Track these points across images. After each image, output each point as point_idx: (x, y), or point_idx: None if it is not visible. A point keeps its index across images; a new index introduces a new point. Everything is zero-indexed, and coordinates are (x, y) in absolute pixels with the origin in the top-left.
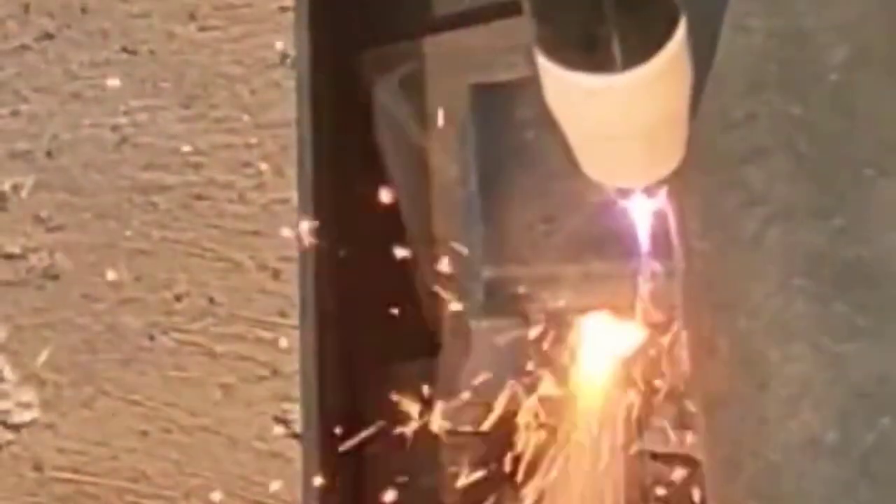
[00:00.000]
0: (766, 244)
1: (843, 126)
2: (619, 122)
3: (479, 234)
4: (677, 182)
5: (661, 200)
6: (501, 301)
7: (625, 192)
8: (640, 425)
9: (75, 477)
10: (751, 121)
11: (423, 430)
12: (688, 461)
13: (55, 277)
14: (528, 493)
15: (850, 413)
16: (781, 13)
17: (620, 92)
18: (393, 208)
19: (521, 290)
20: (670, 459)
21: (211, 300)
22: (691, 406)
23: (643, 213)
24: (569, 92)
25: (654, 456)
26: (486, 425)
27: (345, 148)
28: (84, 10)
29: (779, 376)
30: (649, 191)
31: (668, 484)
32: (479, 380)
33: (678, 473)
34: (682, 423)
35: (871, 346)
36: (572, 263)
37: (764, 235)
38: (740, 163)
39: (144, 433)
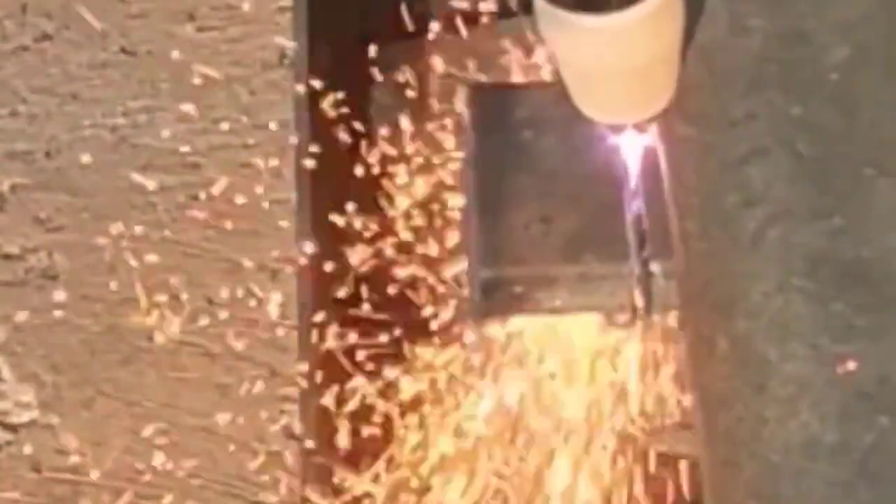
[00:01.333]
0: (765, 244)
1: (843, 126)
2: (614, 60)
3: (476, 234)
4: (676, 180)
5: (651, 137)
6: (498, 301)
7: (617, 129)
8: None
9: (74, 477)
10: (751, 121)
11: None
12: (688, 461)
13: (54, 278)
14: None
15: (849, 413)
16: (781, 13)
17: (616, 31)
18: (392, 208)
19: (518, 290)
20: (670, 459)
21: (210, 300)
22: (691, 406)
23: (634, 148)
24: (567, 32)
25: (655, 456)
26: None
27: (344, 148)
28: (83, 11)
29: (778, 376)
30: (640, 127)
31: (668, 483)
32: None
33: (678, 473)
34: (682, 423)
35: (870, 347)
36: (569, 264)
37: (763, 235)
38: (740, 163)
39: (143, 434)
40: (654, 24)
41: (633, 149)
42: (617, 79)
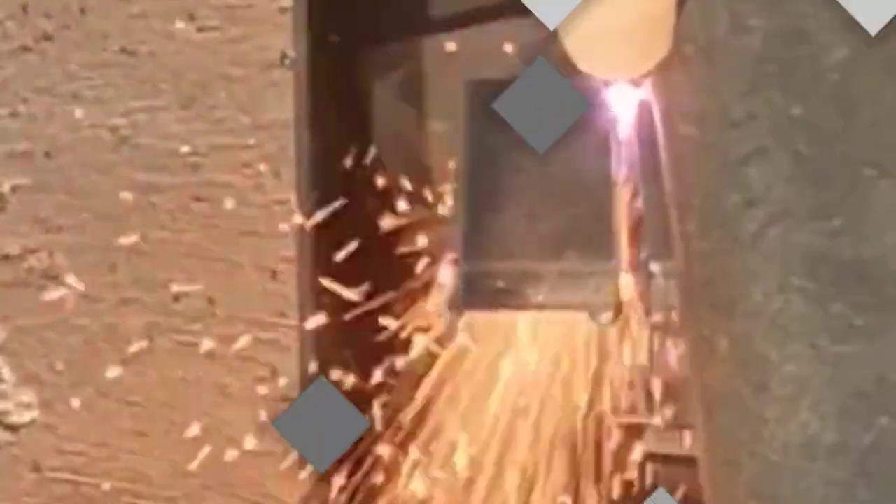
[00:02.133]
0: (765, 244)
1: (843, 126)
2: (614, 19)
3: (460, 228)
4: (676, 180)
5: (645, 91)
6: (481, 295)
7: (611, 83)
8: (639, 426)
9: (74, 478)
10: (751, 121)
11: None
12: (688, 461)
13: (55, 278)
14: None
15: (849, 413)
16: (782, 13)
17: None
18: (391, 207)
19: (501, 284)
20: (670, 459)
21: (210, 301)
22: (691, 406)
23: (628, 102)
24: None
25: (655, 456)
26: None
27: (344, 148)
28: (83, 11)
29: (778, 376)
30: (635, 82)
31: (668, 484)
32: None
33: (678, 473)
34: (683, 423)
35: (870, 347)
36: (553, 260)
37: (763, 235)
38: (740, 163)
39: (143, 434)
40: None
41: (627, 103)
42: (615, 37)
